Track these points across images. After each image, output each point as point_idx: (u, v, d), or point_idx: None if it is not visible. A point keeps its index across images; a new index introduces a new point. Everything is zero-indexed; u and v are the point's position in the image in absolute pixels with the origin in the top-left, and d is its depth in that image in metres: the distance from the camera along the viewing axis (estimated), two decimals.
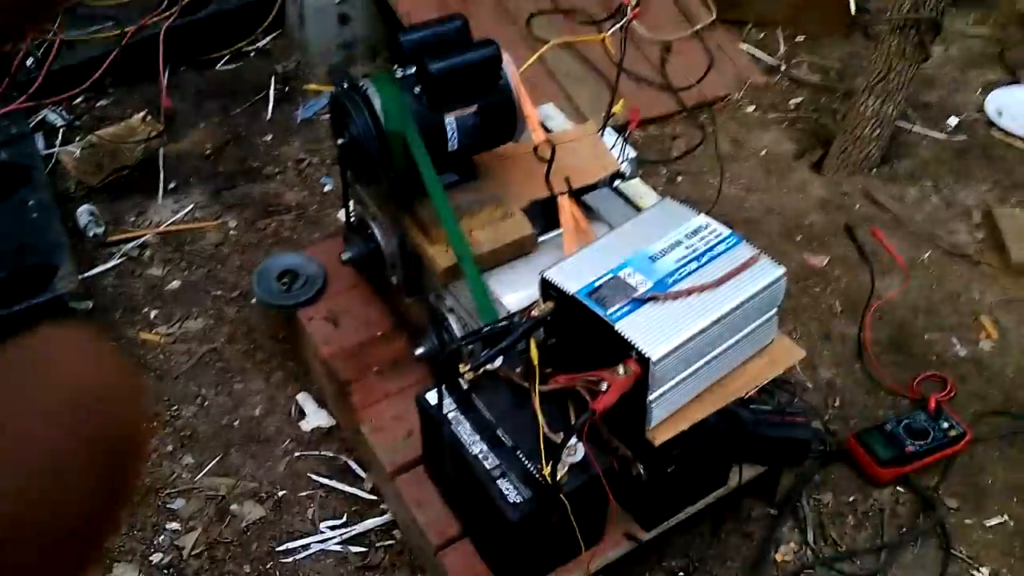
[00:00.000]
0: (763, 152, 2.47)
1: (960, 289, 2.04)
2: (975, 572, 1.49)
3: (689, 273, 1.29)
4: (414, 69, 1.54)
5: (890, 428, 1.65)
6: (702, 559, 1.50)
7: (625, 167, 1.85)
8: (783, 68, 2.78)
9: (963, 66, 2.78)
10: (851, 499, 1.61)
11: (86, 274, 2.11)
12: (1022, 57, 2.79)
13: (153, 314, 2.04)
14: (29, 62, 2.61)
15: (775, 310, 1.34)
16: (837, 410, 1.76)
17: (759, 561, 1.50)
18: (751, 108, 2.63)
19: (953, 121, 2.55)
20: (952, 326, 1.94)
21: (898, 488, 1.61)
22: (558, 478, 1.23)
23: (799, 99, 2.66)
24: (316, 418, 1.79)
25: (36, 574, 0.21)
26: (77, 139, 2.55)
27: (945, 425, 1.65)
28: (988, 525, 1.59)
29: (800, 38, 2.90)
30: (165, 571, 1.56)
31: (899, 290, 2.03)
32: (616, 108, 2.04)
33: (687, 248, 1.34)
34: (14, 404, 0.22)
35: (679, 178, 2.39)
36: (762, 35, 2.93)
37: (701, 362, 1.26)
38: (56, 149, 2.53)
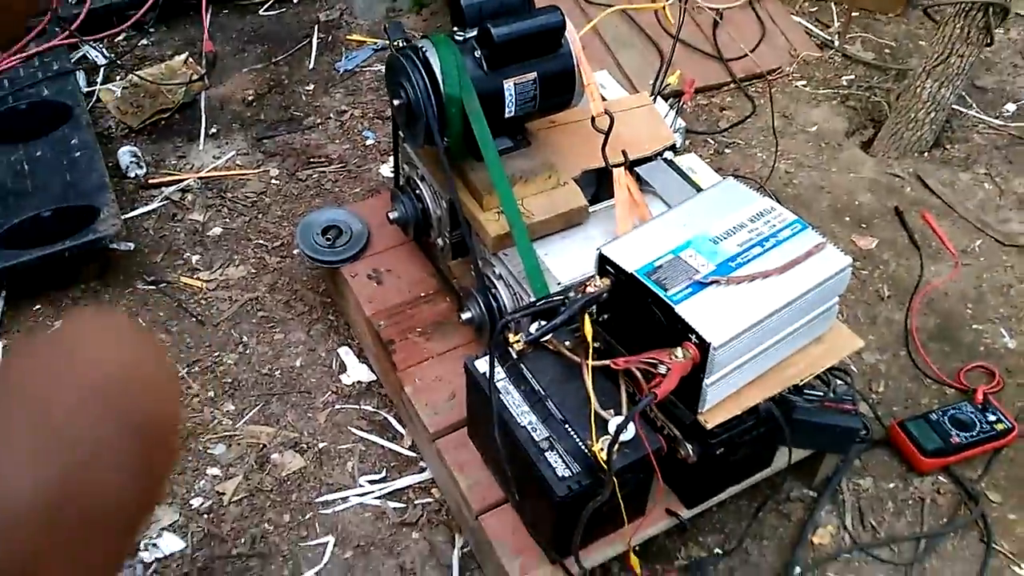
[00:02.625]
0: (813, 128, 2.42)
1: (1011, 280, 2.00)
2: (1016, 568, 1.49)
3: (753, 257, 1.27)
4: (475, 32, 1.51)
5: (935, 418, 1.63)
6: (739, 537, 1.51)
7: (676, 138, 1.82)
8: (836, 43, 2.71)
9: (1023, 51, 2.71)
10: (891, 486, 1.60)
11: (127, 215, 2.11)
12: None
13: (195, 259, 2.04)
14: None
15: (837, 299, 1.32)
16: (880, 396, 1.75)
17: (796, 543, 1.51)
18: (802, 82, 2.58)
19: (1011, 108, 2.49)
20: (1001, 317, 1.91)
21: (939, 478, 1.61)
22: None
23: (851, 76, 2.61)
24: (357, 372, 1.80)
25: (73, 557, 0.21)
26: (118, 78, 2.53)
27: (992, 418, 1.64)
28: None
29: (855, 13, 2.83)
30: (205, 516, 1.58)
31: (948, 278, 2.00)
32: (672, 79, 2.00)
33: (751, 232, 1.32)
34: (50, 392, 0.22)
35: (727, 150, 2.35)
36: (816, 8, 2.87)
37: (760, 348, 1.25)
38: (97, 87, 2.51)
